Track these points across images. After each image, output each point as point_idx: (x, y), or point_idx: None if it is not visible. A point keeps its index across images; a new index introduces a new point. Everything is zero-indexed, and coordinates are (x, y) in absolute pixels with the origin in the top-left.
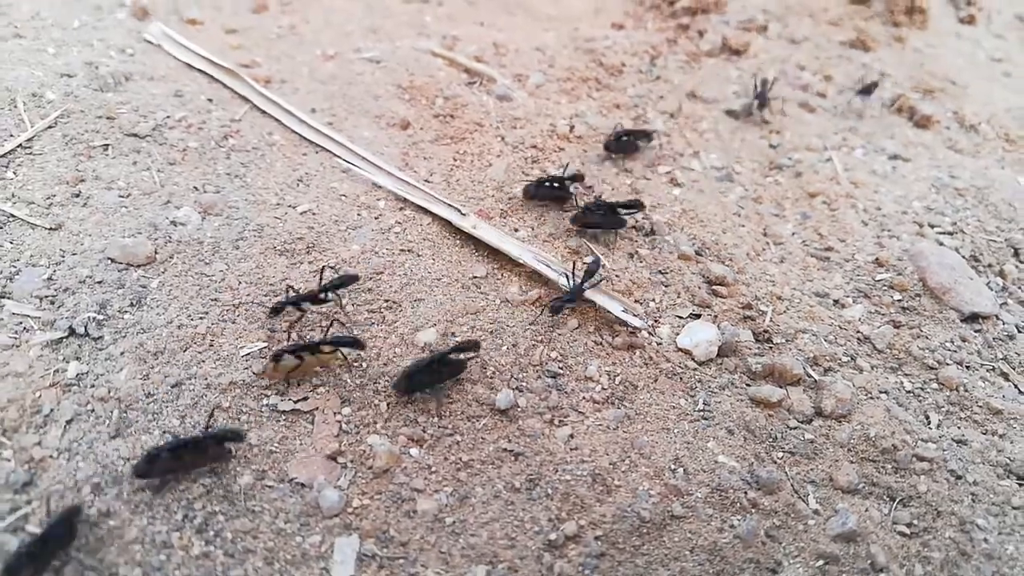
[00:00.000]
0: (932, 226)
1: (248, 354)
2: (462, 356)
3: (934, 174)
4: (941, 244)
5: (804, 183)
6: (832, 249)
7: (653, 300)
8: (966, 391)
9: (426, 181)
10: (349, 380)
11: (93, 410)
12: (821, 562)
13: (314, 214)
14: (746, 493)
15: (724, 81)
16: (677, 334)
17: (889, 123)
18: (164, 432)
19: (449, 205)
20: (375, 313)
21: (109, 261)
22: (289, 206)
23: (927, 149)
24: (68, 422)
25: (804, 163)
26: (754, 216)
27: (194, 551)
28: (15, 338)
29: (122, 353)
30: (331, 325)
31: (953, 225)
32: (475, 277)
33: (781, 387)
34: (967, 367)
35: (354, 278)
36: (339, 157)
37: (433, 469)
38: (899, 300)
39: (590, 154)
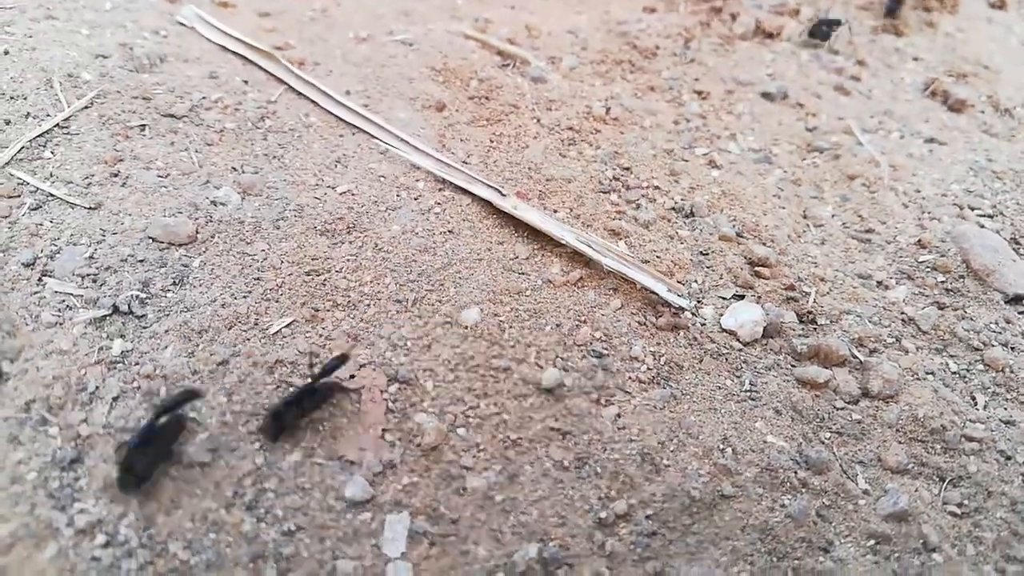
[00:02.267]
0: (972, 208)
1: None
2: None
3: (971, 157)
4: (982, 227)
5: (843, 166)
6: (873, 231)
7: (695, 281)
8: (1012, 372)
9: (464, 162)
10: (394, 360)
11: (139, 387)
12: (872, 542)
13: (353, 195)
14: (796, 473)
15: (758, 64)
16: (721, 315)
17: (923, 107)
18: (212, 407)
19: (489, 186)
20: (418, 293)
21: (150, 240)
22: (328, 187)
23: (962, 133)
24: (114, 399)
25: (842, 146)
26: (793, 198)
27: (244, 528)
28: (58, 316)
29: (166, 331)
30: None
31: (993, 208)
32: (516, 258)
33: (827, 368)
34: (1012, 348)
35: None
36: (376, 138)
37: (481, 447)
38: (943, 282)
39: (627, 135)
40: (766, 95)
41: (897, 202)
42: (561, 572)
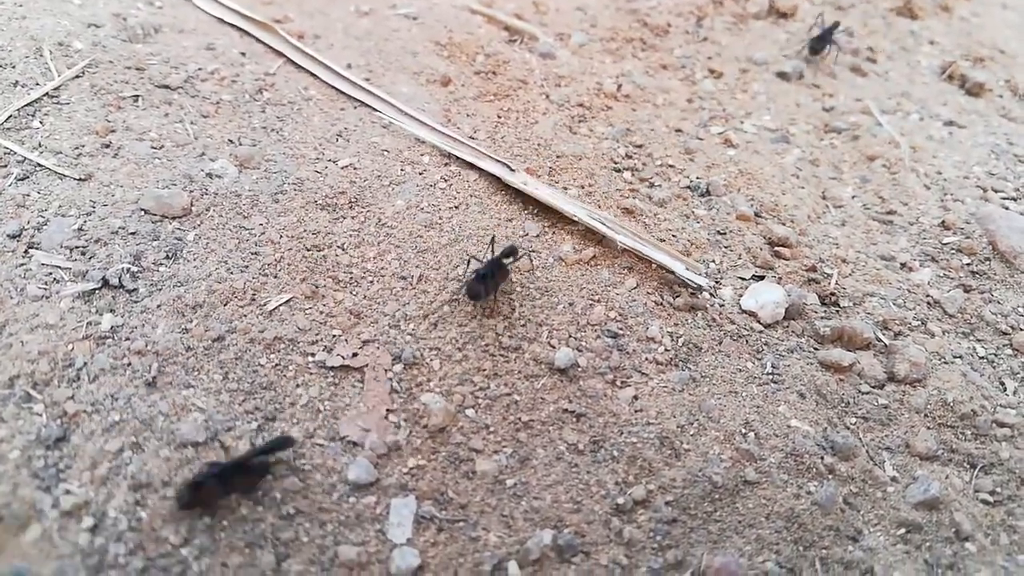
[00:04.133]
0: (996, 191)
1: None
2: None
3: (991, 140)
4: (1007, 209)
5: (862, 146)
6: (895, 212)
7: (713, 261)
8: None
9: (471, 137)
10: (398, 339)
11: (130, 364)
12: (903, 530)
13: (355, 168)
14: (822, 459)
15: (772, 43)
16: (740, 296)
17: (941, 90)
18: (204, 389)
19: (497, 161)
20: (424, 270)
21: (143, 212)
22: (329, 160)
23: (981, 116)
24: (103, 376)
25: (861, 127)
26: (812, 179)
27: (240, 512)
28: (45, 289)
29: (159, 306)
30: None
31: (1016, 191)
32: (526, 235)
33: (851, 351)
34: None
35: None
36: (379, 112)
37: (491, 429)
38: (968, 264)
39: (639, 113)
40: (781, 75)
41: (919, 183)
42: (577, 560)
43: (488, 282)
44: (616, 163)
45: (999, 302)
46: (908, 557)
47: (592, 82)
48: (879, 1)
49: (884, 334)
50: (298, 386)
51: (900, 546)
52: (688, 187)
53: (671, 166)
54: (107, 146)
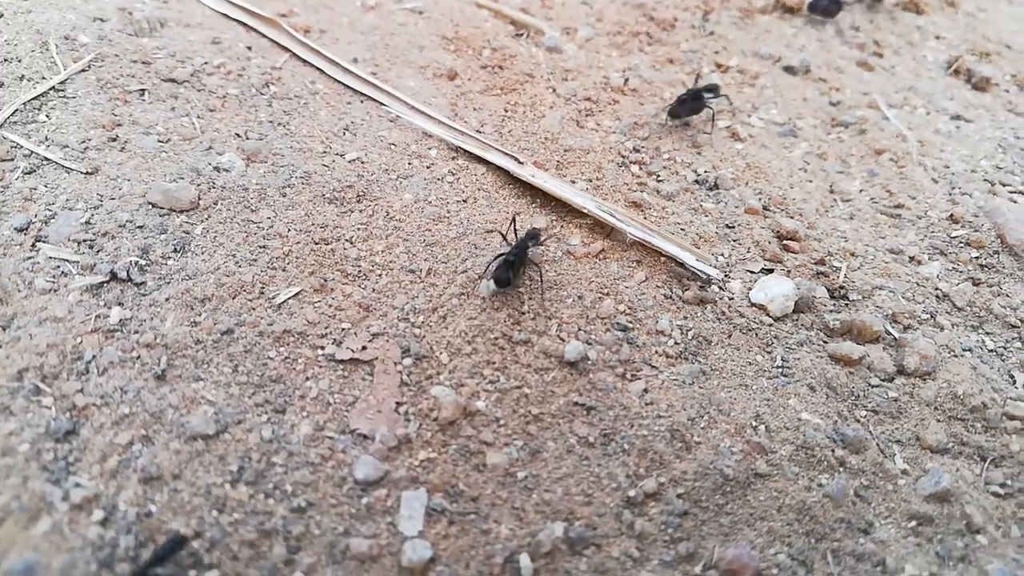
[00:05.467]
0: (1004, 185)
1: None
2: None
3: (999, 135)
4: (1015, 203)
5: (869, 140)
6: (903, 206)
7: (722, 254)
8: None
9: (478, 131)
10: (408, 332)
11: (139, 357)
12: (914, 523)
13: (363, 162)
14: (833, 451)
15: (779, 38)
16: (749, 289)
17: (947, 84)
18: (214, 382)
19: (505, 154)
20: (433, 264)
21: (150, 206)
22: (336, 154)
23: (987, 111)
24: (112, 369)
25: (868, 121)
26: (820, 173)
27: (251, 505)
28: (53, 282)
29: (167, 299)
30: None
31: None
32: (536, 228)
33: (860, 344)
34: None
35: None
36: (386, 106)
37: (502, 422)
38: (976, 257)
39: (647, 107)
40: (788, 69)
41: (926, 177)
42: (588, 552)
43: (515, 268)
44: (624, 156)
45: (1008, 295)
46: (919, 549)
47: (599, 76)
48: None
49: (893, 327)
50: (308, 379)
51: (911, 538)
52: (696, 181)
53: (679, 160)
54: (114, 140)
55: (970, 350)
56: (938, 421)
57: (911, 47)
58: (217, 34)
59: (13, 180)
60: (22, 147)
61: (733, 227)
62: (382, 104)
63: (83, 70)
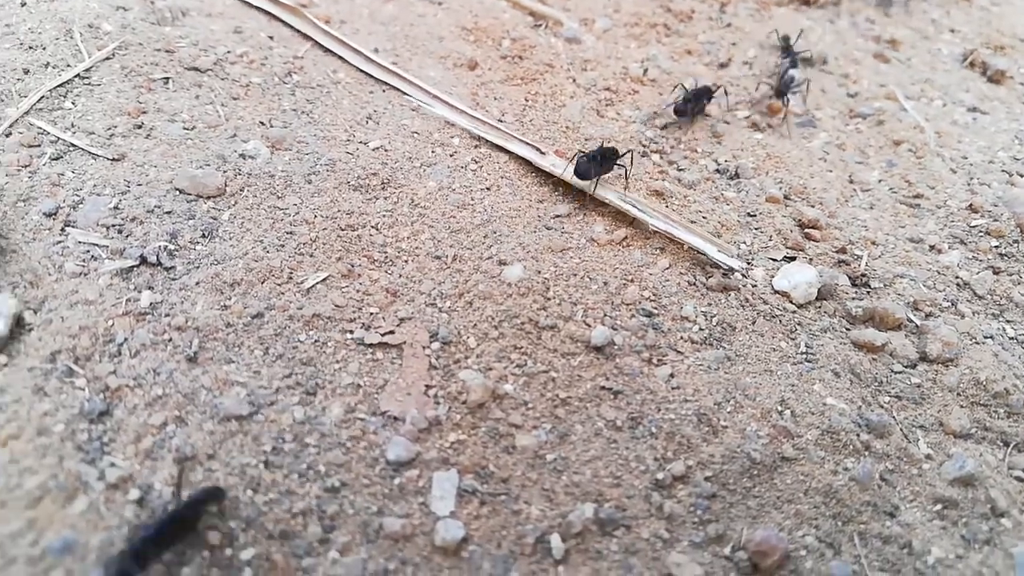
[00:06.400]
0: (1022, 175)
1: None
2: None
3: (1015, 127)
4: None
5: (888, 131)
6: (922, 196)
7: (744, 242)
8: None
9: (499, 120)
10: (435, 317)
11: (170, 339)
12: (939, 506)
13: (386, 150)
14: (858, 436)
15: (795, 30)
16: (772, 276)
17: (963, 77)
18: (245, 364)
19: (527, 143)
20: (458, 250)
21: (177, 192)
22: (360, 142)
23: (1003, 103)
24: (144, 351)
25: (886, 112)
26: (839, 163)
27: (285, 485)
28: (83, 266)
29: (197, 283)
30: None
31: None
32: (558, 216)
33: (883, 331)
34: None
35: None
36: (408, 95)
37: (530, 405)
38: (996, 247)
39: (666, 97)
40: (805, 60)
41: (945, 168)
42: (619, 533)
43: (597, 163)
44: (644, 146)
45: None
46: (945, 532)
47: (618, 66)
48: None
49: (915, 315)
50: (337, 362)
51: (937, 522)
52: (717, 170)
53: (699, 149)
54: (139, 127)
55: (991, 337)
56: (961, 407)
57: (926, 40)
58: (239, 23)
59: (40, 166)
60: (49, 133)
61: (755, 215)
62: (404, 93)
63: (107, 58)
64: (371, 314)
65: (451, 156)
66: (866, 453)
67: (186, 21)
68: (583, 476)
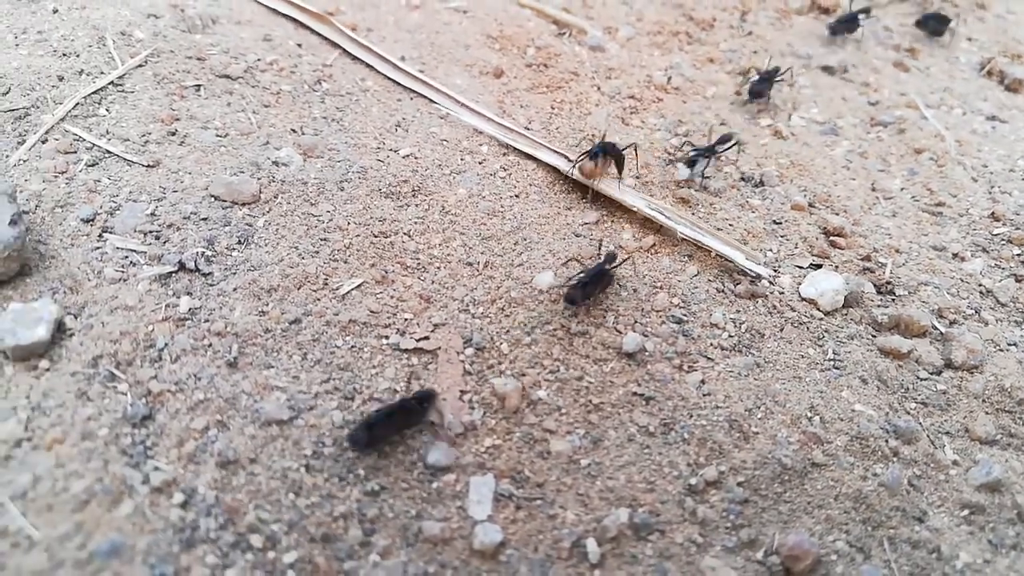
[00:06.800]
0: None
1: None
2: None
3: None
4: None
5: (909, 140)
6: (944, 204)
7: (770, 250)
8: None
9: (526, 128)
10: (468, 323)
11: (210, 345)
12: (966, 511)
13: (416, 158)
14: (886, 442)
15: (816, 38)
16: (799, 284)
17: (981, 86)
18: (284, 369)
19: (555, 151)
20: (489, 257)
21: (213, 198)
22: (390, 150)
23: (1021, 112)
24: (184, 356)
25: (907, 120)
26: (861, 171)
27: (326, 489)
28: (122, 272)
29: (234, 289)
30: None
31: None
32: (586, 223)
33: (908, 338)
34: None
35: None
36: (435, 103)
37: (563, 411)
38: (1019, 254)
39: (690, 105)
40: (826, 69)
41: (966, 176)
42: (653, 537)
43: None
44: (670, 154)
45: None
46: (972, 537)
47: (642, 75)
48: None
49: (940, 322)
50: (374, 367)
51: (964, 527)
52: (742, 178)
53: (723, 157)
54: (173, 134)
55: (1015, 344)
56: (986, 413)
57: (944, 49)
58: (268, 31)
59: (77, 172)
60: (84, 140)
61: (780, 223)
62: (432, 101)
63: (140, 65)
64: (405, 320)
65: (480, 164)
66: (894, 459)
67: (216, 29)
68: (617, 481)
